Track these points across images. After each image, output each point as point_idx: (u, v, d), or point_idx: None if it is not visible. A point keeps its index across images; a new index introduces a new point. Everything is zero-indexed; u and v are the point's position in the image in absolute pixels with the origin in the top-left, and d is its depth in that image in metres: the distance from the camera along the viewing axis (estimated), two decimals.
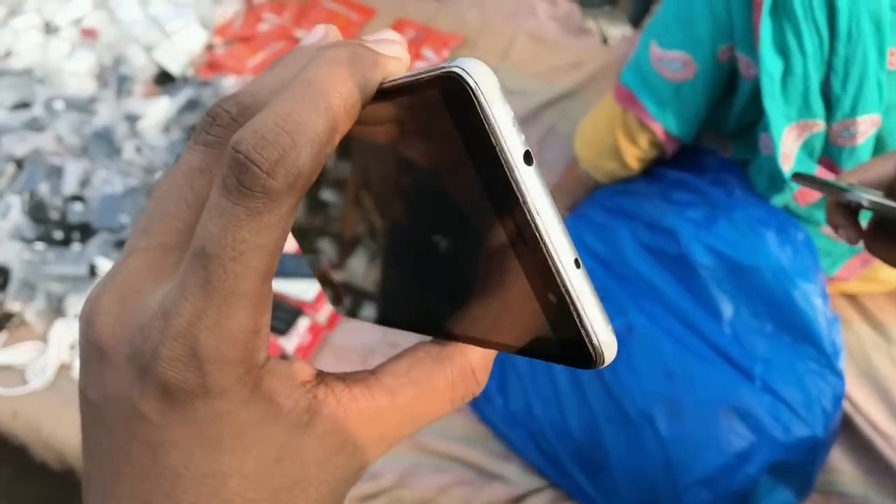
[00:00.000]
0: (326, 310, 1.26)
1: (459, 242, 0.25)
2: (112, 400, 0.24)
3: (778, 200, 1.08)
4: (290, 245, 1.32)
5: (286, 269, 1.28)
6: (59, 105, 1.49)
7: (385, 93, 0.24)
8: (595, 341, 0.22)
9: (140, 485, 0.24)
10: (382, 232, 0.29)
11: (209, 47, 1.63)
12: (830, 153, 1.00)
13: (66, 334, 1.23)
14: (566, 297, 0.22)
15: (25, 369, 1.22)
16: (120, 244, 1.32)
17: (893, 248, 0.57)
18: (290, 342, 1.22)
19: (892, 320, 1.16)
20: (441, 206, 0.25)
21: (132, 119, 1.46)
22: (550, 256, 0.22)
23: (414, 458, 1.12)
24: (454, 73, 0.22)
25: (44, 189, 1.37)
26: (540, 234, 0.22)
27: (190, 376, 0.23)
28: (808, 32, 0.89)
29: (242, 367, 0.23)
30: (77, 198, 1.38)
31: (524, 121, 1.54)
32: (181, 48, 1.58)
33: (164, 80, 1.56)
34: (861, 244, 0.59)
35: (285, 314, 1.24)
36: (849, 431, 1.07)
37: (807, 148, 1.00)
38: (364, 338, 1.26)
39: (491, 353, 0.27)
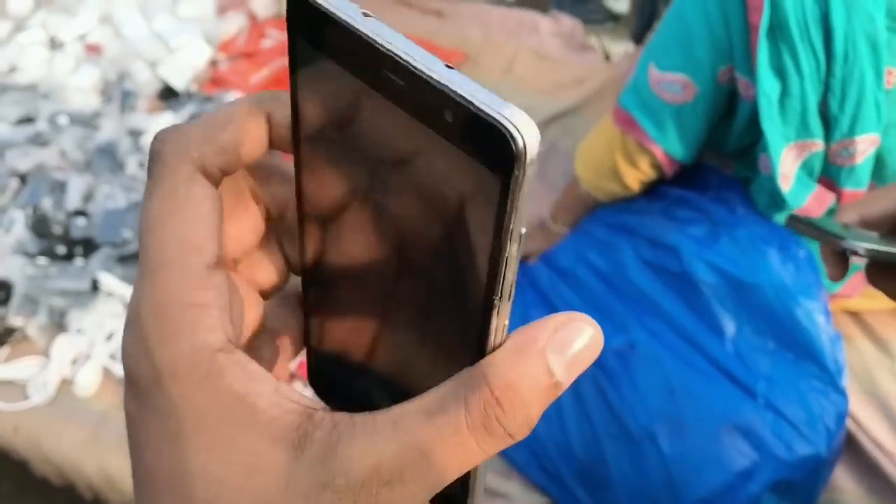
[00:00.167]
0: None
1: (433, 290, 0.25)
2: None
3: (779, 218, 1.08)
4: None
5: None
6: (63, 120, 1.50)
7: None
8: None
9: (138, 491, 0.24)
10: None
11: (213, 63, 1.64)
12: (830, 172, 1.00)
13: (67, 349, 1.23)
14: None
15: (27, 384, 1.22)
16: (123, 259, 1.33)
17: (894, 280, 0.56)
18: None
19: None
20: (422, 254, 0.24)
21: (136, 134, 1.47)
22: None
23: None
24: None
25: (47, 204, 1.38)
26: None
27: (142, 361, 0.22)
28: (804, 54, 0.90)
29: (185, 342, 0.22)
30: (80, 213, 1.38)
31: None
32: (185, 64, 1.59)
33: (168, 95, 1.56)
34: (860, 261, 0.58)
35: None
36: (852, 449, 1.07)
37: (806, 167, 1.00)
38: None
39: (542, 384, 0.23)
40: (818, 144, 0.96)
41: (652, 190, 1.20)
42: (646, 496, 1.00)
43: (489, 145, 0.21)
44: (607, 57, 1.83)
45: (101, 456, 1.16)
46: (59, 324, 1.28)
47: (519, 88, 1.61)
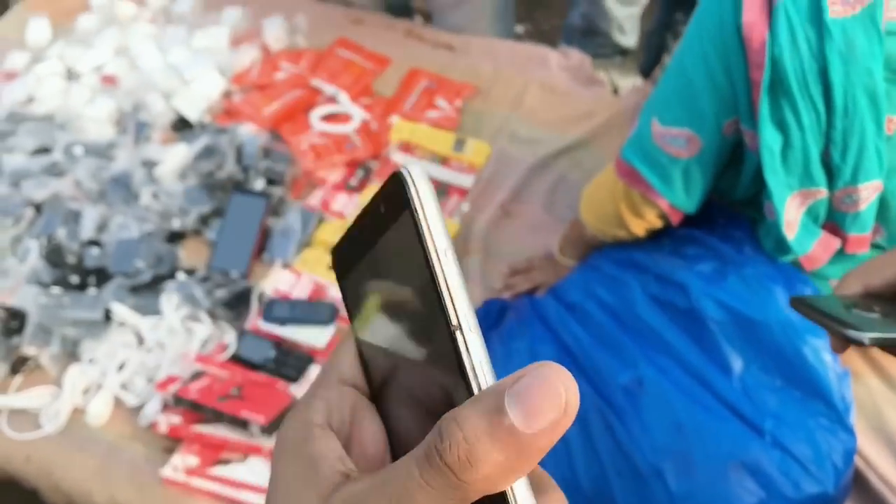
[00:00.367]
0: None
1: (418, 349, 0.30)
2: None
3: (786, 259, 1.08)
4: (304, 291, 1.33)
5: (299, 316, 1.29)
6: (78, 150, 1.52)
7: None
8: None
9: None
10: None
11: (226, 95, 1.66)
12: (834, 218, 1.00)
13: (80, 379, 1.24)
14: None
15: (39, 413, 1.23)
16: (135, 289, 1.34)
17: None
18: (300, 389, 1.22)
19: None
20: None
21: (150, 165, 1.48)
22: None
23: None
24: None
25: (61, 233, 1.39)
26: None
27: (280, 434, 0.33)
28: (804, 108, 0.90)
29: (299, 416, 0.32)
30: (94, 242, 1.40)
31: (535, 169, 1.55)
32: (199, 95, 1.61)
33: (182, 126, 1.58)
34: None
35: (296, 361, 1.25)
36: (861, 487, 1.07)
37: (811, 213, 1.00)
38: None
39: (490, 422, 0.25)
40: (822, 192, 0.97)
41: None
42: None
43: (395, 196, 0.28)
44: (616, 91, 1.85)
45: (112, 486, 1.17)
46: (71, 353, 1.29)
47: (528, 121, 1.63)
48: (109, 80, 1.66)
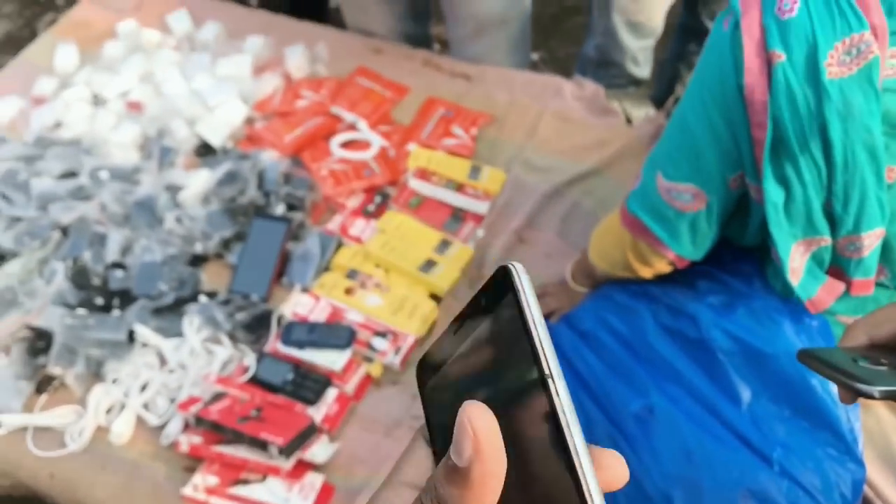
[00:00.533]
0: (354, 380, 1.30)
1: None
2: None
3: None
4: (322, 315, 1.36)
5: (317, 339, 1.32)
6: (104, 175, 1.56)
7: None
8: None
9: None
10: None
11: (249, 121, 1.70)
12: (839, 263, 1.02)
13: (103, 398, 1.28)
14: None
15: (64, 432, 1.26)
16: (158, 311, 1.37)
17: None
18: (318, 412, 1.25)
19: None
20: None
21: (173, 190, 1.52)
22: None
23: None
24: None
25: (87, 256, 1.43)
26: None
27: None
28: (805, 165, 0.91)
29: None
30: (118, 265, 1.43)
31: (549, 197, 1.58)
32: (222, 122, 1.65)
33: (205, 152, 1.62)
34: None
35: (314, 384, 1.27)
36: None
37: (815, 259, 1.02)
38: (390, 409, 1.29)
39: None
40: (826, 240, 0.98)
41: None
42: None
43: (502, 284, 0.33)
44: (629, 120, 1.88)
45: None
46: (95, 373, 1.32)
47: (543, 150, 1.66)
48: (135, 106, 1.70)
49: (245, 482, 1.17)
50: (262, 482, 1.18)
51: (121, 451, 1.25)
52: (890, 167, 0.91)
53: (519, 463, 0.30)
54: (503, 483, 0.29)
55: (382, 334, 1.34)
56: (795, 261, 1.01)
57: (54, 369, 1.30)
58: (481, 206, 1.57)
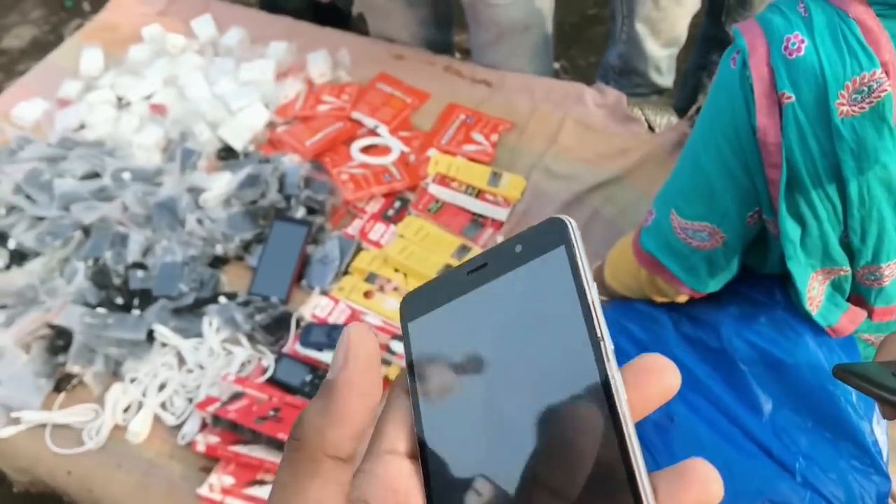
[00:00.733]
0: None
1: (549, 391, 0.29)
2: None
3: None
4: (340, 317, 1.36)
5: (335, 341, 1.32)
6: (126, 176, 1.57)
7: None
8: None
9: None
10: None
11: (271, 125, 1.71)
12: (859, 291, 1.01)
13: (121, 397, 1.28)
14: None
15: (82, 430, 1.27)
16: (177, 311, 1.38)
17: None
18: None
19: None
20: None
21: (195, 192, 1.53)
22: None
23: None
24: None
25: (108, 256, 1.44)
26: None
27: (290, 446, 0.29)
28: (820, 202, 0.90)
29: (315, 446, 0.28)
30: (139, 265, 1.44)
31: (569, 204, 1.58)
32: (244, 126, 1.66)
33: (227, 155, 1.63)
34: None
35: None
36: None
37: (834, 286, 1.01)
38: None
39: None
40: (845, 270, 0.97)
41: None
42: None
43: (549, 235, 0.31)
44: (651, 128, 1.87)
45: (149, 502, 1.20)
46: (114, 372, 1.33)
47: (564, 157, 1.66)
48: (158, 109, 1.72)
49: (261, 482, 1.17)
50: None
51: (137, 449, 1.25)
52: None
53: (553, 421, 0.28)
54: (370, 411, 0.28)
55: (400, 338, 1.34)
56: (814, 290, 0.99)
57: (73, 368, 1.31)
58: (501, 213, 1.56)
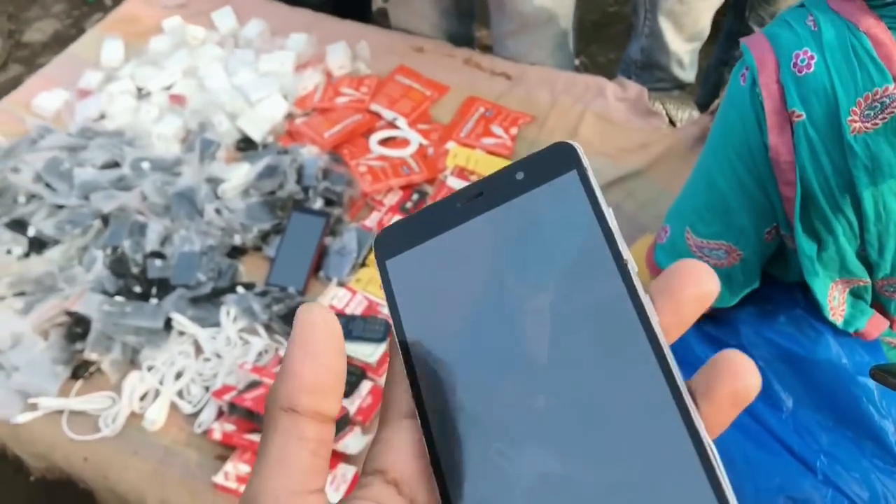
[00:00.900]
0: None
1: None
2: None
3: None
4: (358, 309, 1.36)
5: (353, 332, 1.31)
6: (146, 166, 1.57)
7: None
8: None
9: None
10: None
11: (289, 117, 1.70)
12: (880, 300, 1.00)
13: (138, 386, 1.28)
14: None
15: (98, 417, 1.27)
16: (195, 301, 1.38)
17: None
18: (352, 404, 1.24)
19: None
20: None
21: (214, 182, 1.53)
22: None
23: None
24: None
25: (127, 245, 1.44)
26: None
27: None
28: (835, 219, 0.89)
29: (272, 404, 0.29)
30: (157, 254, 1.44)
31: None
32: (263, 117, 1.66)
33: (246, 146, 1.63)
34: None
35: (349, 376, 1.26)
36: None
37: (854, 293, 1.00)
38: None
39: None
40: (864, 281, 0.96)
41: None
42: None
43: (557, 161, 0.29)
44: (672, 123, 1.85)
45: (165, 490, 1.19)
46: (131, 360, 1.33)
47: (584, 151, 1.64)
48: (178, 100, 1.72)
49: None
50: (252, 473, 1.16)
51: (153, 437, 1.25)
52: None
53: (588, 354, 0.26)
54: (323, 367, 0.28)
55: None
56: (835, 299, 0.98)
57: (91, 355, 1.31)
58: None
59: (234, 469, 1.17)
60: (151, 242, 1.45)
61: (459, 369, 0.28)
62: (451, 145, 1.64)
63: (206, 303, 1.38)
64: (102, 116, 1.72)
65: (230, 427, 1.20)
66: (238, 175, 1.53)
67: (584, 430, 0.25)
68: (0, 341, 1.31)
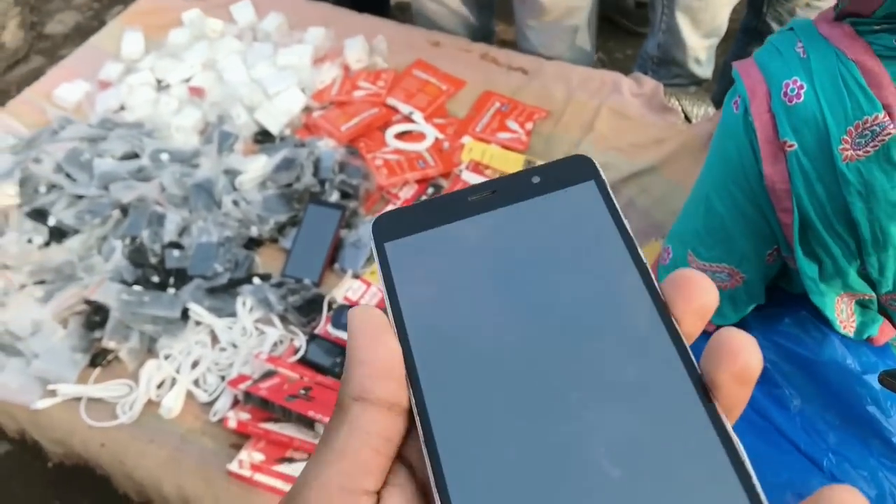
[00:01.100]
0: None
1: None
2: None
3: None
4: (372, 301, 1.37)
5: None
6: (164, 157, 1.59)
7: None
8: None
9: None
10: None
11: (307, 110, 1.72)
12: (886, 312, 1.00)
13: (155, 374, 1.30)
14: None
15: (116, 404, 1.29)
16: (212, 291, 1.39)
17: None
18: None
19: None
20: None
21: (231, 174, 1.54)
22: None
23: None
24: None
25: (145, 235, 1.46)
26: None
27: None
28: (833, 243, 0.90)
29: (342, 395, 0.29)
30: (175, 245, 1.46)
31: None
32: (281, 110, 1.67)
33: (264, 139, 1.64)
34: None
35: None
36: None
37: (861, 304, 1.00)
38: None
39: None
40: (869, 295, 0.97)
41: None
42: None
43: (575, 170, 0.31)
44: (688, 119, 1.85)
45: (180, 477, 1.21)
46: (148, 349, 1.35)
47: (599, 146, 1.65)
48: (197, 92, 1.73)
49: (290, 460, 1.18)
50: (307, 461, 1.18)
51: (169, 425, 1.27)
52: None
53: (602, 341, 0.26)
54: (390, 351, 0.28)
55: None
56: (842, 311, 0.99)
57: (109, 343, 1.33)
58: None
59: (249, 457, 1.19)
60: (169, 233, 1.47)
61: (462, 353, 0.28)
62: (466, 139, 1.65)
63: (223, 293, 1.40)
64: (122, 108, 1.74)
65: (245, 416, 1.21)
66: (255, 167, 1.54)
67: (605, 430, 0.25)
68: (20, 329, 1.34)
